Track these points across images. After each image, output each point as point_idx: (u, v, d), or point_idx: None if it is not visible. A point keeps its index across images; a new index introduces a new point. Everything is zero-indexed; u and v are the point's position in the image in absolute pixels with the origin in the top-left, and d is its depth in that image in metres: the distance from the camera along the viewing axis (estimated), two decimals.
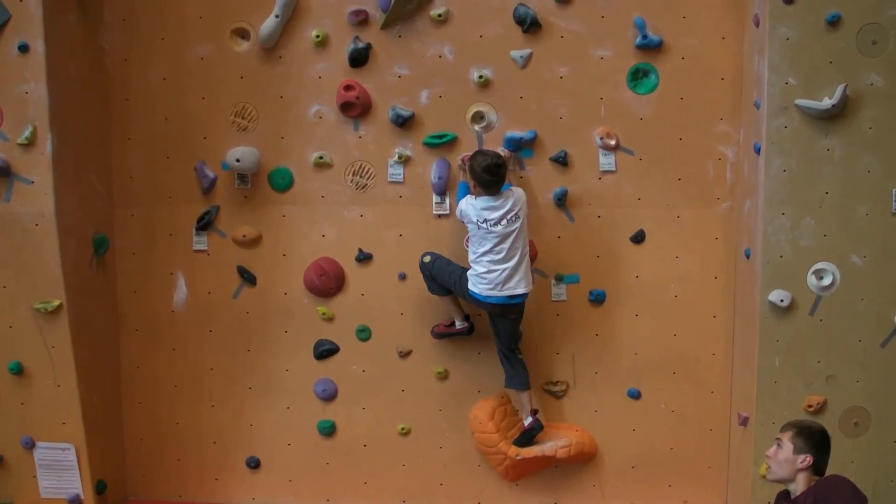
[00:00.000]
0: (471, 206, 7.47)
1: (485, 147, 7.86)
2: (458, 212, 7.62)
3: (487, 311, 7.73)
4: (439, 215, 8.03)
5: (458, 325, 7.99)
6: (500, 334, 7.83)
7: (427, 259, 7.81)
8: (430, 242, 7.97)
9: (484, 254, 7.47)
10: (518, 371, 7.89)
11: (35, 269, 7.45)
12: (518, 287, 7.51)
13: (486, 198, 7.43)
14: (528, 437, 7.96)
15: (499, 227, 7.39)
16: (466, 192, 7.63)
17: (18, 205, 7.37)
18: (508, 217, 7.40)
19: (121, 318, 8.27)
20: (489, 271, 7.46)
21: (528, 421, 7.91)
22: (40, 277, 7.45)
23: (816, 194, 7.26)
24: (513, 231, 7.42)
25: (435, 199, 8.00)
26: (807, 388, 7.42)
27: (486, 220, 7.40)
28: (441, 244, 8.00)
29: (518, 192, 7.53)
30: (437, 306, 8.04)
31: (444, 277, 7.75)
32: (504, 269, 7.45)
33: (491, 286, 7.48)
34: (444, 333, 8.07)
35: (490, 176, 7.37)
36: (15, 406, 7.69)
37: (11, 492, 7.86)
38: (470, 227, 7.53)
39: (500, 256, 7.44)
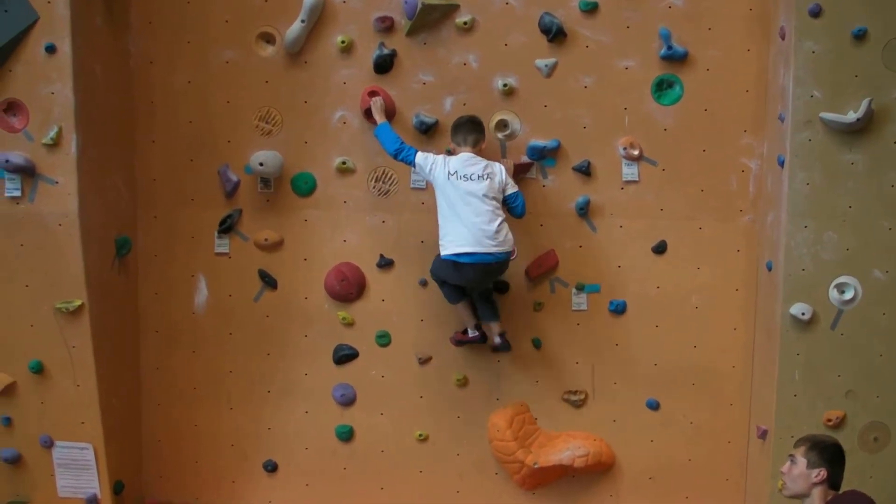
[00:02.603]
0: (448, 158, 7.52)
1: (507, 156, 7.88)
2: (424, 156, 7.53)
3: (467, 275, 7.55)
4: None
5: (471, 333, 7.94)
6: (473, 289, 7.81)
7: (433, 265, 7.79)
8: None
9: (455, 212, 7.41)
10: (491, 305, 7.87)
11: (57, 269, 7.46)
12: (497, 244, 7.43)
13: (465, 154, 7.49)
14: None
15: (470, 180, 7.39)
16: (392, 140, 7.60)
17: (42, 205, 7.39)
18: (481, 172, 7.41)
19: (141, 320, 8.28)
20: (460, 231, 7.40)
21: (496, 340, 7.88)
22: (62, 277, 7.46)
23: (839, 208, 7.25)
24: (483, 185, 7.40)
25: None
26: (826, 402, 7.40)
27: (458, 170, 7.41)
28: None
29: (498, 165, 7.54)
30: (455, 312, 8.02)
31: (436, 269, 7.74)
32: (477, 226, 7.37)
33: (463, 244, 7.39)
34: (461, 341, 8.05)
35: (466, 120, 7.53)
36: (34, 405, 7.70)
37: (29, 490, 7.86)
38: (437, 181, 7.48)
39: (470, 211, 7.38)
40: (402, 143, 7.54)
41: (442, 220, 7.52)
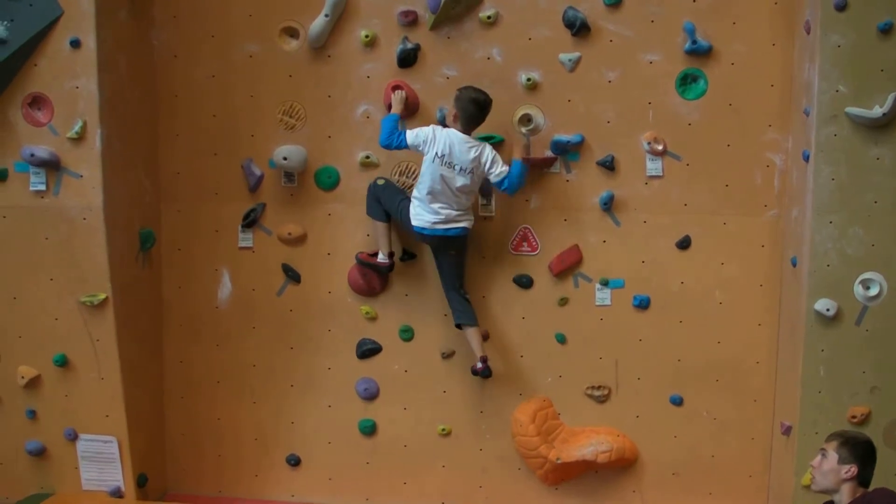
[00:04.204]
0: (447, 138, 7.49)
1: (532, 153, 7.85)
2: (414, 134, 7.54)
3: (427, 243, 7.77)
4: (484, 217, 8.02)
5: (381, 258, 7.94)
6: (443, 272, 7.85)
7: (381, 182, 7.85)
8: (474, 243, 7.97)
9: (430, 191, 7.50)
10: (465, 307, 7.87)
11: (82, 263, 7.51)
12: (457, 221, 7.57)
13: (466, 137, 7.48)
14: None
15: (454, 170, 7.44)
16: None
17: (67, 198, 7.43)
18: (467, 166, 7.44)
19: (165, 313, 8.32)
20: (429, 207, 7.53)
21: (477, 365, 7.86)
22: (87, 271, 7.51)
23: (865, 203, 7.19)
24: (463, 180, 7.46)
25: (481, 200, 7.99)
26: (851, 398, 7.35)
27: (446, 155, 7.44)
28: (485, 245, 8.05)
29: (488, 149, 7.55)
30: (480, 304, 8.05)
31: (391, 202, 7.77)
32: (444, 210, 7.53)
33: (430, 220, 7.54)
34: (365, 262, 8.04)
35: (475, 108, 7.44)
36: (59, 398, 7.75)
37: (54, 483, 7.92)
38: (426, 157, 7.52)
39: (443, 197, 7.49)
40: (394, 132, 7.56)
41: (419, 185, 7.62)
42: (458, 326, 7.93)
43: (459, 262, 7.84)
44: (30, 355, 7.70)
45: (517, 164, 7.62)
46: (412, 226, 7.64)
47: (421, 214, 7.59)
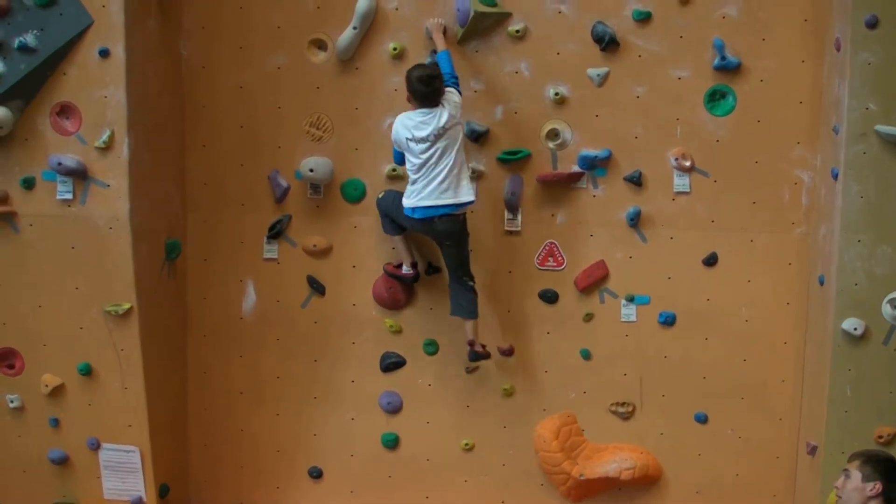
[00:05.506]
0: (403, 123, 7.46)
1: (558, 167, 7.85)
2: (395, 145, 7.59)
3: (423, 229, 7.67)
4: (510, 231, 8.01)
5: (405, 269, 7.95)
6: (447, 260, 7.81)
7: (381, 194, 7.87)
8: (500, 258, 8.00)
9: (416, 170, 7.46)
10: (463, 299, 7.81)
11: (107, 272, 7.50)
12: (454, 196, 7.47)
13: (419, 111, 7.40)
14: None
15: (425, 146, 7.36)
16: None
17: (94, 208, 7.44)
18: (436, 133, 7.33)
19: (189, 323, 8.31)
20: (417, 184, 7.47)
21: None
22: (112, 280, 7.51)
23: (894, 222, 7.16)
24: (439, 147, 7.37)
25: (507, 215, 7.98)
26: (878, 418, 7.31)
27: (413, 138, 7.38)
28: (512, 260, 8.04)
29: (451, 103, 7.43)
30: (505, 318, 8.07)
31: (392, 208, 7.76)
32: (431, 182, 7.43)
33: (418, 198, 7.47)
34: (392, 274, 8.04)
35: (423, 86, 7.32)
36: (83, 407, 7.74)
37: (76, 492, 7.91)
38: (405, 150, 7.51)
39: (428, 170, 7.42)
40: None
41: (409, 174, 7.59)
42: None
43: (460, 248, 7.75)
44: (54, 364, 7.69)
45: (442, 59, 7.62)
46: (403, 210, 7.60)
47: (408, 197, 7.54)
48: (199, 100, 8.09)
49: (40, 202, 7.49)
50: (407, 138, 7.40)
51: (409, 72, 7.42)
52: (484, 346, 7.88)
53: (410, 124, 7.39)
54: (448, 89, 7.44)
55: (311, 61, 7.99)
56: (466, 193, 7.52)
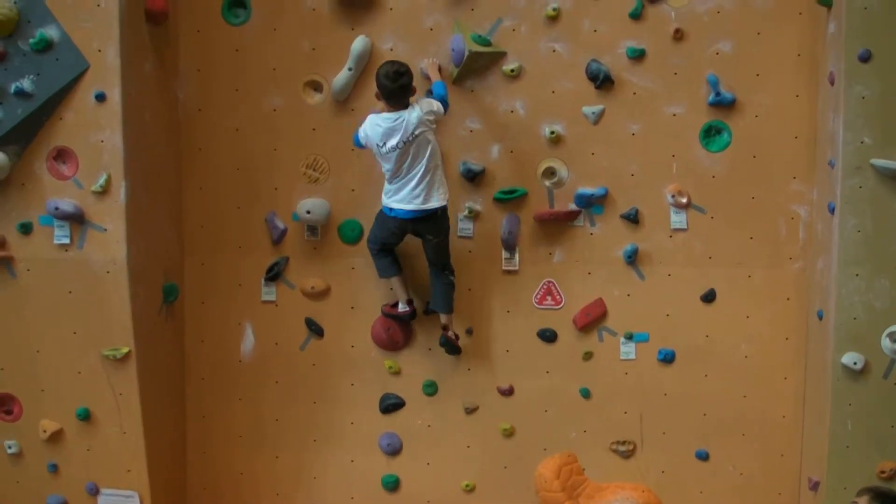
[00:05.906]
0: (373, 127, 7.45)
1: (555, 205, 7.86)
2: (362, 133, 7.56)
3: (404, 228, 7.67)
4: (508, 271, 8.01)
5: (401, 307, 7.95)
6: (427, 253, 7.82)
7: (368, 235, 7.91)
8: (498, 298, 7.99)
9: (390, 176, 7.49)
10: (441, 293, 7.84)
11: (105, 316, 7.48)
12: (425, 202, 7.49)
13: (388, 116, 7.40)
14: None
15: (396, 153, 7.37)
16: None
17: (91, 251, 7.42)
18: (406, 139, 7.33)
19: (188, 367, 8.29)
20: (395, 186, 7.50)
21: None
22: (110, 324, 7.49)
23: (891, 255, 7.16)
24: (409, 154, 7.38)
25: (504, 254, 7.98)
26: (880, 453, 7.28)
27: (384, 144, 7.39)
28: (510, 300, 8.02)
29: (420, 107, 7.42)
30: (503, 358, 8.06)
31: (376, 229, 7.81)
32: (403, 188, 7.47)
33: (397, 200, 7.51)
34: (389, 314, 8.04)
35: (389, 82, 7.29)
36: (81, 452, 7.71)
37: None
38: (375, 153, 7.52)
39: (403, 174, 7.44)
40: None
41: (386, 177, 7.61)
42: (430, 312, 8.02)
43: (441, 245, 7.75)
44: (52, 409, 7.66)
45: (437, 84, 7.67)
46: (381, 211, 7.66)
47: (385, 195, 7.59)
48: (195, 142, 8.11)
49: (37, 247, 7.48)
50: (377, 145, 7.43)
51: (379, 68, 7.43)
52: (457, 336, 7.93)
53: (380, 131, 7.40)
54: (428, 100, 7.50)
55: (307, 103, 8.02)
56: (438, 200, 7.54)
